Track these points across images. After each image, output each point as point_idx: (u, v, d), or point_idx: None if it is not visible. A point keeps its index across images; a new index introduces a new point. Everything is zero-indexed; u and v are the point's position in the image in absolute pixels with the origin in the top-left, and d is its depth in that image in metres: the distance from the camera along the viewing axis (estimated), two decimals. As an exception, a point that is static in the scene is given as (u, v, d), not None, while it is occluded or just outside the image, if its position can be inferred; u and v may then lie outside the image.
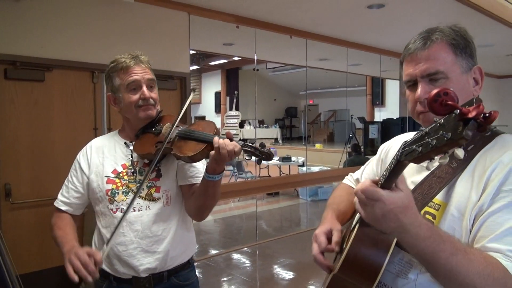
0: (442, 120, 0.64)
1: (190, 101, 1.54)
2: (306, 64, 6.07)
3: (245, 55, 6.18)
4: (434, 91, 0.65)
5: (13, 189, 3.04)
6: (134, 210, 1.45)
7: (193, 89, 1.55)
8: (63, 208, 1.55)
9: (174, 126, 1.44)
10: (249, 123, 12.97)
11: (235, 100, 12.45)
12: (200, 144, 1.36)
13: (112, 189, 1.47)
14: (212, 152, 1.31)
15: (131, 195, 1.47)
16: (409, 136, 1.18)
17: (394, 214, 0.75)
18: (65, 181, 1.59)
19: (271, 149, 1.32)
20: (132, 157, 1.52)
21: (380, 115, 8.71)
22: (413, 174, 1.02)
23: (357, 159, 6.90)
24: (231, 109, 12.55)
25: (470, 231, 0.86)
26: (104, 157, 1.53)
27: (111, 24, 3.51)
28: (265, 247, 4.98)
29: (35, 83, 3.14)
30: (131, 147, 1.53)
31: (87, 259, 1.25)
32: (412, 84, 0.99)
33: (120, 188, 1.47)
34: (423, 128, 0.67)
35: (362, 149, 7.97)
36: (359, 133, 10.42)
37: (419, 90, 0.95)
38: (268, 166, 8.34)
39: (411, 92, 1.00)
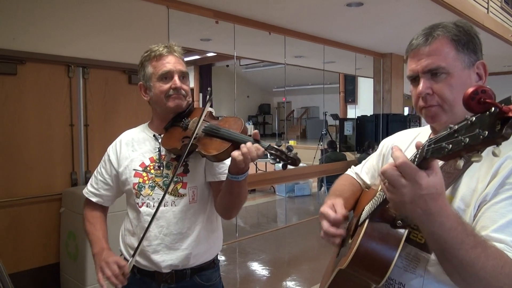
0: (474, 118, 0.62)
1: (209, 101, 1.47)
2: (284, 61, 6.08)
3: (223, 51, 6.13)
4: (471, 89, 0.63)
5: (-17, 188, 2.89)
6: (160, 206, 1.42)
7: (210, 92, 1.50)
8: (94, 199, 1.56)
9: (200, 122, 1.39)
10: (224, 120, 12.86)
11: (208, 97, 12.29)
12: (225, 143, 1.31)
13: (139, 183, 1.46)
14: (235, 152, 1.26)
15: (157, 190, 1.45)
16: (410, 132, 1.20)
17: (425, 201, 0.72)
18: (95, 172, 1.60)
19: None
20: (159, 150, 1.49)
21: (354, 112, 8.85)
22: None
23: (333, 156, 6.99)
24: (204, 105, 12.35)
25: (474, 219, 0.87)
26: (134, 150, 1.52)
27: (88, 17, 3.37)
28: (244, 244, 4.97)
29: (7, 76, 2.98)
30: (160, 140, 1.50)
31: (117, 270, 1.33)
32: (414, 79, 1.00)
33: (147, 182, 1.46)
34: (452, 125, 0.66)
35: (338, 145, 8.07)
36: (332, 130, 10.57)
37: (420, 86, 0.97)
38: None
39: (414, 87, 1.01)
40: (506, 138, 0.58)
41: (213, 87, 12.98)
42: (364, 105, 9.61)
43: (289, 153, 1.21)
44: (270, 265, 4.31)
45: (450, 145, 0.64)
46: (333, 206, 1.09)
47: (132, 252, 1.46)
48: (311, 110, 16.55)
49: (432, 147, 0.68)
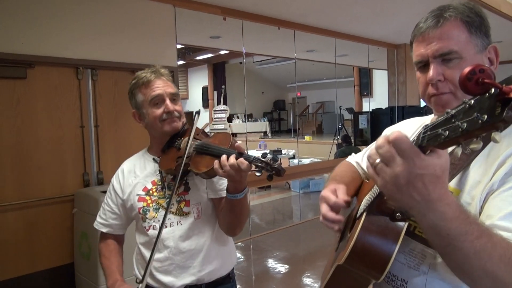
0: (472, 101, 0.56)
1: (194, 124, 1.47)
2: (294, 56, 6.02)
3: (233, 48, 6.12)
4: (468, 69, 0.57)
5: (-3, 191, 2.94)
6: (166, 227, 1.43)
7: (197, 112, 1.48)
8: (104, 230, 1.58)
9: (190, 140, 1.40)
10: (238, 117, 12.91)
11: (222, 95, 12.35)
12: (214, 159, 1.31)
13: (143, 206, 1.47)
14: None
15: (161, 211, 1.45)
16: (415, 121, 1.15)
17: (423, 183, 0.64)
18: (102, 204, 1.62)
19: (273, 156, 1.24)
20: (160, 172, 1.50)
21: (369, 105, 8.73)
22: None
23: (347, 150, 6.91)
24: (218, 103, 12.41)
25: (480, 213, 0.81)
26: (136, 176, 1.54)
27: (95, 19, 3.40)
28: (259, 241, 4.95)
29: (17, 80, 3.03)
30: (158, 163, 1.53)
31: None
32: (423, 65, 0.94)
33: (151, 205, 1.47)
34: (449, 110, 0.60)
35: (352, 140, 7.97)
36: (348, 124, 10.45)
37: (431, 72, 0.89)
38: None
39: (422, 73, 0.94)
40: (507, 122, 0.51)
41: (226, 85, 13.01)
42: (380, 98, 9.47)
43: (273, 164, 1.20)
44: (285, 262, 4.28)
45: (447, 132, 0.58)
46: (335, 191, 1.04)
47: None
48: (326, 105, 16.41)
49: (428, 134, 0.62)
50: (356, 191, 1.20)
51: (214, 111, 11.46)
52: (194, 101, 14.77)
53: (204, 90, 14.24)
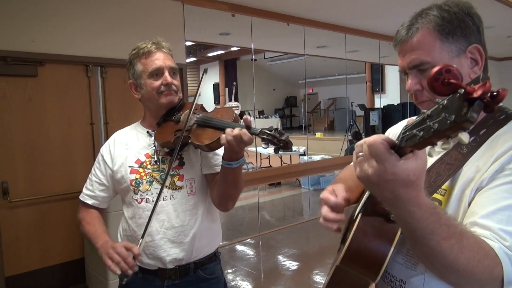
0: (446, 101, 0.57)
1: (201, 83, 1.49)
2: (304, 52, 5.99)
3: (242, 44, 6.10)
4: (435, 69, 0.58)
5: (10, 187, 3.00)
6: (159, 200, 1.41)
7: (205, 70, 1.48)
8: (89, 202, 1.54)
9: (191, 112, 1.40)
10: (249, 114, 12.92)
11: (234, 91, 12.38)
12: (217, 132, 1.31)
13: (136, 179, 1.45)
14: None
15: (155, 184, 1.45)
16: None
17: (393, 186, 0.66)
18: (89, 175, 1.58)
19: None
20: (154, 146, 1.49)
21: (381, 101, 8.64)
22: None
23: (358, 147, 6.84)
24: (230, 100, 12.44)
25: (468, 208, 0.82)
26: (128, 148, 1.51)
27: (103, 16, 3.43)
28: (269, 238, 4.96)
29: (28, 78, 3.08)
30: (153, 136, 1.51)
31: (125, 252, 1.26)
32: (404, 74, 0.95)
33: (144, 177, 1.46)
34: (425, 111, 0.61)
35: (363, 136, 7.90)
36: (360, 121, 10.36)
37: (408, 82, 0.92)
38: (269, 156, 8.29)
39: (408, 81, 0.96)
40: (471, 122, 0.52)
41: (238, 81, 13.02)
42: (392, 94, 9.37)
43: (280, 136, 1.20)
44: (295, 259, 4.28)
45: (421, 132, 0.59)
46: (334, 192, 1.04)
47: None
48: (338, 101, 16.31)
49: (407, 135, 0.63)
50: (361, 193, 1.20)
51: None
52: (206, 97, 14.82)
53: (216, 86, 14.29)
